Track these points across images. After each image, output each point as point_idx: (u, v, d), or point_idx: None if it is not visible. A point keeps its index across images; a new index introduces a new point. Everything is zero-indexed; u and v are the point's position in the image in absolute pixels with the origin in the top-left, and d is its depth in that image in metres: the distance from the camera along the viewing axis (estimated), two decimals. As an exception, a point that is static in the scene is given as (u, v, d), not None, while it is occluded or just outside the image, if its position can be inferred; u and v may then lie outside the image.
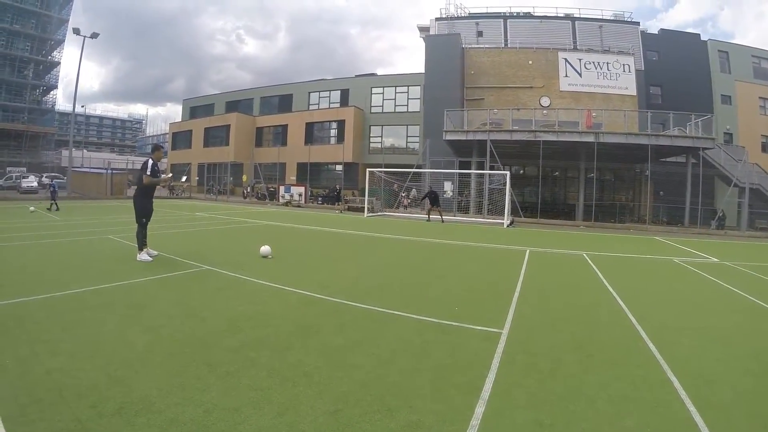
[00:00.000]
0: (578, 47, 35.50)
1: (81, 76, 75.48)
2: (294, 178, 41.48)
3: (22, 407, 2.90)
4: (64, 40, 59.54)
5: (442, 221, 22.25)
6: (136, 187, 9.07)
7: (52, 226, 13.64)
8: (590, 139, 24.55)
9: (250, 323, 4.89)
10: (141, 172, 8.68)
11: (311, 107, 45.77)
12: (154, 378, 3.42)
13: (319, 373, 3.64)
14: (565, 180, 34.13)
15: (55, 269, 7.48)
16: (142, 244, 8.46)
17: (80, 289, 6.07)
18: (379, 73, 46.03)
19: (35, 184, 36.43)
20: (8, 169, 44.92)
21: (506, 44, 36.92)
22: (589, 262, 10.53)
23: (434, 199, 23.25)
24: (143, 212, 8.67)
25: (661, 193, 29.40)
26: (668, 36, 37.73)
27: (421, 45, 37.17)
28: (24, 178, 38.16)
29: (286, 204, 33.22)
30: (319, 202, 35.59)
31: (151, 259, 8.37)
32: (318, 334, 4.63)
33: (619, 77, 33.06)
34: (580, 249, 12.96)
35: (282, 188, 36.05)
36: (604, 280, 8.28)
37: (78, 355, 3.83)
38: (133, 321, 4.81)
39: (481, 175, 26.86)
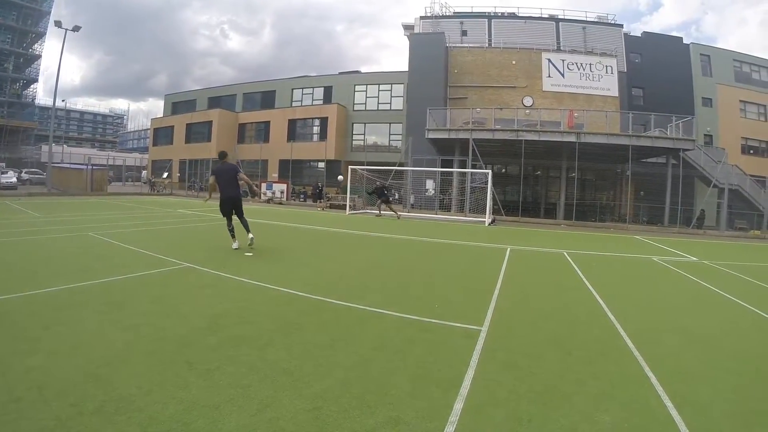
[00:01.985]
0: (562, 48, 35.71)
1: (62, 70, 74.47)
2: (276, 175, 41.19)
3: (2, 405, 2.90)
4: (45, 33, 59.43)
5: (398, 217, 22.45)
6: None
7: (30, 223, 13.35)
8: (572, 139, 24.73)
9: (230, 321, 4.88)
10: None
11: (294, 104, 45.39)
12: (134, 376, 3.41)
13: (300, 370, 3.65)
14: (547, 179, 34.32)
15: (34, 266, 7.38)
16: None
17: (60, 286, 6.00)
18: (363, 71, 45.85)
19: (14, 179, 35.91)
20: None
21: (490, 44, 36.97)
22: (570, 260, 10.53)
23: (382, 194, 23.22)
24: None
25: (642, 193, 29.74)
26: (651, 39, 38.09)
27: (406, 44, 37.11)
28: (3, 173, 37.52)
29: (268, 201, 33.02)
30: (302, 200, 35.43)
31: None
32: (299, 331, 4.63)
33: (601, 78, 33.26)
34: (561, 248, 12.98)
35: (264, 185, 35.83)
36: (584, 279, 8.29)
37: (58, 353, 3.81)
38: (113, 319, 4.78)
39: (463, 174, 26.91)
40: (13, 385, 3.18)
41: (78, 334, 4.26)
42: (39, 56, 60.36)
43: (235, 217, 9.76)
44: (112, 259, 8.10)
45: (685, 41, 37.81)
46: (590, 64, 33.52)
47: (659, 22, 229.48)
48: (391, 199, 24.62)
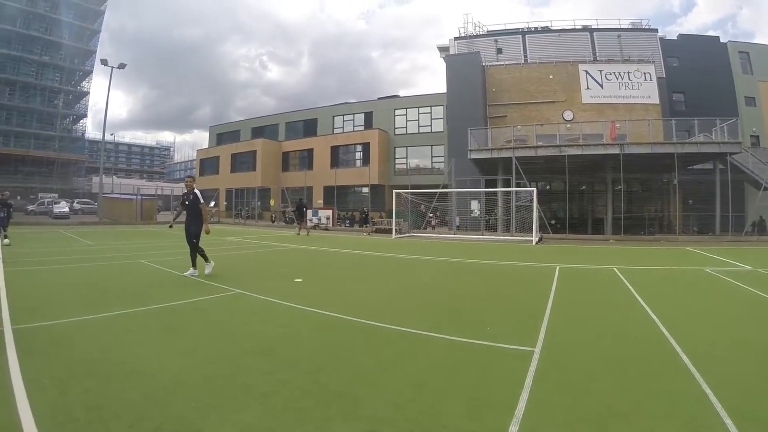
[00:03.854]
0: (598, 58, 35.38)
1: (110, 105, 77.99)
2: (321, 201, 41.94)
3: (60, 425, 3.04)
4: (92, 71, 63.11)
5: (307, 233, 24.68)
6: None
7: (85, 251, 14.28)
8: (615, 151, 24.38)
9: (283, 345, 5.02)
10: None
11: (336, 131, 46.46)
12: (190, 399, 3.52)
13: (353, 393, 3.69)
14: (593, 194, 33.60)
15: (90, 292, 7.82)
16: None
17: (115, 312, 6.32)
18: (401, 95, 46.38)
19: (67, 209, 38.01)
20: (40, 195, 46.74)
21: (526, 60, 36.99)
22: (620, 276, 10.43)
23: (300, 211, 25.86)
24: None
25: (691, 201, 28.99)
26: (687, 41, 37.41)
27: (442, 65, 37.53)
28: (56, 203, 39.56)
29: (314, 227, 33.61)
30: (347, 225, 35.88)
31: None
32: (351, 355, 4.71)
33: (640, 86, 32.78)
34: (611, 263, 12.88)
35: (310, 212, 36.49)
36: (636, 294, 8.17)
37: (114, 376, 3.97)
38: (168, 344, 5.00)
39: (508, 193, 26.76)
40: (71, 406, 3.33)
41: (135, 358, 4.43)
42: (87, 93, 64.02)
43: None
44: (165, 286, 8.56)
45: (722, 40, 37.08)
46: (628, 73, 33.11)
47: (694, 22, 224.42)
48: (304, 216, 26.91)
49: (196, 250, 9.95)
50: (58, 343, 4.85)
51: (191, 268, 9.82)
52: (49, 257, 12.88)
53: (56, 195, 47.32)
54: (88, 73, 63.24)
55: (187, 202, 10.13)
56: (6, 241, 13.08)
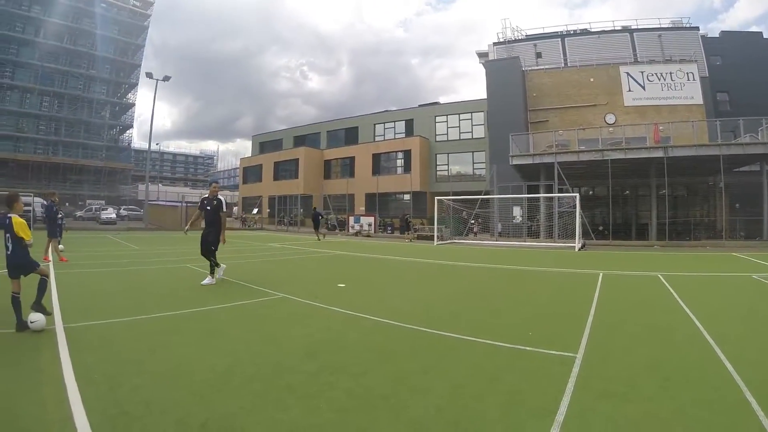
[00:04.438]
0: (639, 59, 35.09)
1: (154, 116, 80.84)
2: (363, 208, 42.61)
3: (110, 419, 3.18)
4: (137, 83, 66.19)
5: (323, 237, 26.29)
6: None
7: (132, 255, 14.87)
8: (659, 154, 24.17)
9: (326, 348, 5.07)
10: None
11: (377, 138, 47.17)
12: (236, 398, 3.62)
13: (396, 396, 3.73)
14: (636, 198, 33.25)
15: (138, 295, 8.14)
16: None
17: (162, 313, 6.61)
18: (441, 101, 46.79)
19: (114, 215, 39.85)
20: (88, 202, 48.66)
21: (566, 63, 37.01)
22: (665, 282, 10.24)
23: (316, 220, 27.64)
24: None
25: (737, 205, 28.19)
26: (730, 38, 36.49)
27: (482, 71, 37.71)
28: (103, 210, 41.25)
29: (356, 234, 34.06)
30: (389, 231, 36.30)
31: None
32: (393, 359, 4.74)
33: (683, 87, 32.33)
34: (655, 270, 12.67)
35: (351, 219, 37.05)
36: (680, 301, 8.01)
37: (162, 374, 4.13)
38: (214, 345, 5.14)
39: (550, 199, 26.74)
40: (121, 400, 3.48)
41: (181, 358, 4.58)
42: (132, 104, 67.30)
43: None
44: (210, 290, 8.81)
45: (765, 35, 36.05)
46: (670, 73, 32.68)
47: (736, 18, 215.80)
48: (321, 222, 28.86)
49: (211, 257, 9.64)
50: (108, 342, 5.09)
51: (209, 276, 9.48)
52: (98, 260, 13.49)
53: (103, 202, 49.41)
54: (133, 86, 66.35)
55: (209, 207, 9.77)
56: (60, 246, 13.75)
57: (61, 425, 3.05)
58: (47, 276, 6.07)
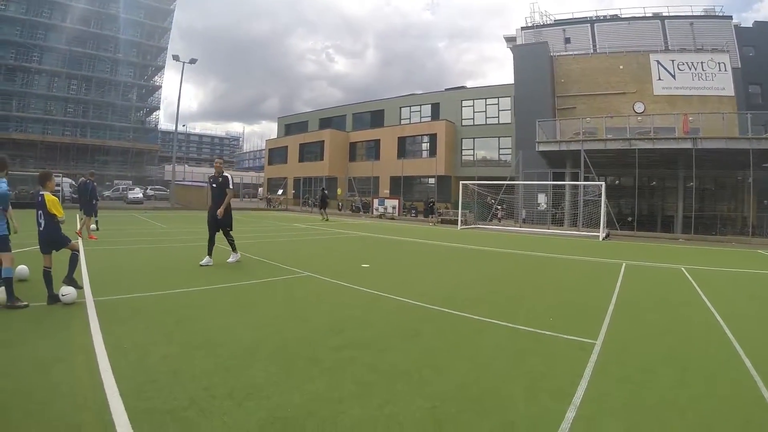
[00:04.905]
0: (670, 48, 34.37)
1: (181, 98, 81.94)
2: (387, 191, 42.82)
3: (139, 385, 3.36)
4: (164, 66, 67.56)
5: (326, 219, 26.65)
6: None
7: (159, 233, 15.40)
8: (688, 145, 23.69)
9: (351, 325, 5.27)
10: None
11: (403, 122, 47.23)
12: (261, 368, 3.80)
13: (419, 372, 3.87)
14: (663, 190, 32.84)
15: (166, 270, 8.55)
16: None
17: (190, 288, 6.88)
18: (468, 86, 46.37)
19: (140, 195, 40.96)
20: (116, 182, 49.83)
21: (595, 50, 36.47)
22: (688, 276, 10.31)
23: (323, 201, 28.27)
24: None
25: (766, 202, 27.52)
26: (764, 28, 35.24)
27: (509, 55, 37.35)
28: (130, 190, 42.10)
29: (380, 216, 34.30)
30: (413, 215, 36.51)
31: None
32: (417, 338, 4.90)
33: (714, 77, 31.46)
34: (679, 263, 12.67)
35: (376, 201, 37.28)
36: (703, 295, 8.03)
37: (190, 345, 4.31)
38: (240, 319, 5.37)
39: (576, 187, 26.55)
40: (150, 369, 3.69)
41: (208, 330, 4.79)
42: (159, 87, 68.62)
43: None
44: (236, 267, 9.12)
45: (801, 25, 34.64)
46: (701, 63, 31.82)
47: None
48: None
49: (229, 239, 9.68)
50: (137, 313, 5.35)
51: (207, 257, 9.24)
52: (126, 238, 13.92)
53: (131, 182, 50.23)
54: (159, 68, 67.55)
55: (215, 185, 9.68)
56: (93, 226, 14.08)
57: (93, 391, 3.26)
58: (78, 251, 6.45)
